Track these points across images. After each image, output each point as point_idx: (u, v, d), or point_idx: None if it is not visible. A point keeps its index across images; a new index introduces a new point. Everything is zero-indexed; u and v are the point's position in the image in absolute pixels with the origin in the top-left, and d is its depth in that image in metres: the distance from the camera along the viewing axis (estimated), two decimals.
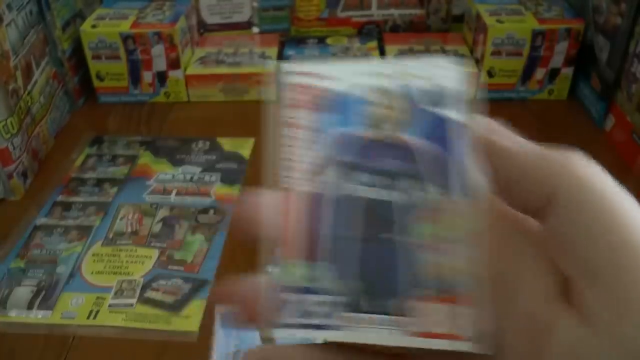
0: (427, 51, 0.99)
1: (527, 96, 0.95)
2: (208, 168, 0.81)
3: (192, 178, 0.79)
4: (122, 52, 0.92)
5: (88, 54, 0.92)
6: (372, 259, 0.20)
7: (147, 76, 0.94)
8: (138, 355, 0.57)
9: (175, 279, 0.64)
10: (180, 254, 0.67)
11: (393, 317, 0.19)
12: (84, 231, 0.70)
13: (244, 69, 0.95)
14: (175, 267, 0.66)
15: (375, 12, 1.06)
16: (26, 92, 0.79)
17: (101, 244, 0.69)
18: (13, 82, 0.76)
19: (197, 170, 0.80)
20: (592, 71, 0.90)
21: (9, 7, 0.76)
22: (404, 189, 0.20)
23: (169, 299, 0.62)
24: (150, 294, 0.63)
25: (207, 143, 0.86)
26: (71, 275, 0.65)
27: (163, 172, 0.80)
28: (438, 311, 0.19)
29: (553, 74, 0.93)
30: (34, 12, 0.84)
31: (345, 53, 0.99)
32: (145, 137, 0.88)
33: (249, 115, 0.94)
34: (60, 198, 0.76)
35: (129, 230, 0.71)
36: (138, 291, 0.63)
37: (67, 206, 0.74)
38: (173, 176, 0.79)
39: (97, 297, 0.62)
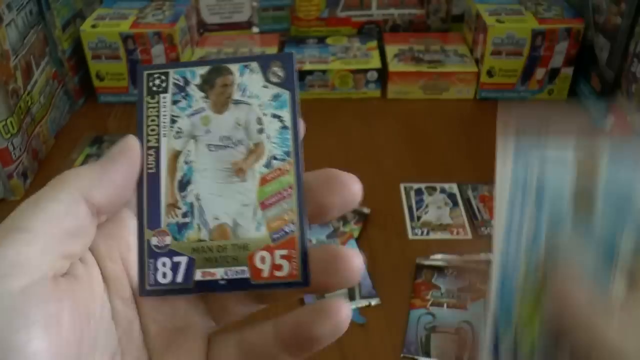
0: (427, 51, 0.99)
1: (527, 96, 0.95)
2: None
3: None
4: (122, 52, 0.92)
5: (88, 54, 0.92)
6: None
7: None
8: None
9: None
10: None
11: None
12: None
13: None
14: None
15: (375, 12, 1.06)
16: (26, 92, 0.79)
17: None
18: (13, 82, 0.76)
19: None
20: (592, 71, 0.90)
21: (9, 7, 0.76)
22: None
23: None
24: None
25: None
26: None
27: None
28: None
29: (553, 73, 0.93)
30: (34, 12, 0.84)
31: (345, 53, 0.99)
32: None
33: None
34: None
35: None
36: None
37: None
38: None
39: None
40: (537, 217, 0.21)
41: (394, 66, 0.95)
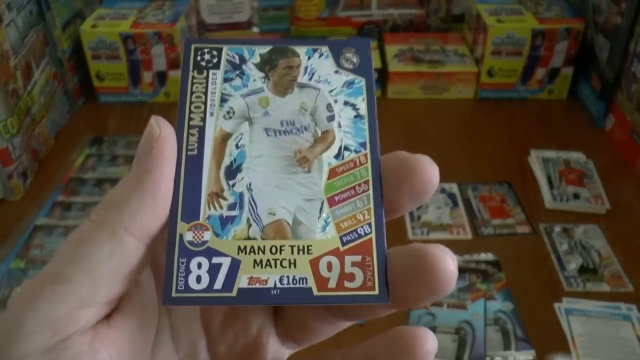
0: (427, 51, 0.99)
1: (527, 96, 0.95)
2: None
3: None
4: (122, 52, 0.92)
5: (88, 54, 0.92)
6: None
7: (147, 76, 0.94)
8: None
9: None
10: None
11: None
12: None
13: None
14: None
15: (375, 12, 1.06)
16: (26, 92, 0.79)
17: None
18: (13, 82, 0.76)
19: None
20: (592, 71, 0.90)
21: (9, 7, 0.76)
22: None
23: None
24: None
25: None
26: None
27: None
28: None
29: (553, 73, 0.93)
30: (34, 12, 0.84)
31: None
32: None
33: None
34: (60, 198, 0.76)
35: None
36: None
37: (67, 206, 0.74)
38: None
39: None
40: None
41: (394, 66, 0.95)
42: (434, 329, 0.58)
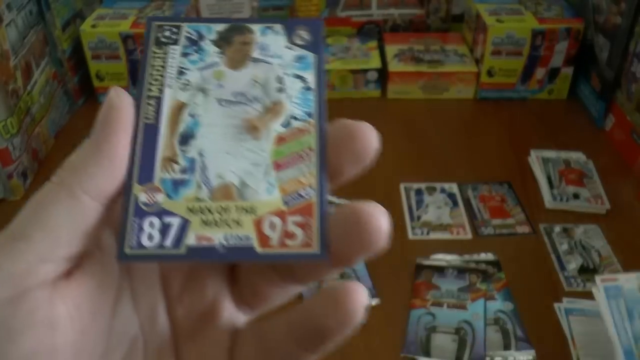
0: (427, 51, 0.99)
1: (527, 96, 0.95)
2: None
3: None
4: (122, 52, 0.92)
5: (88, 54, 0.92)
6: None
7: None
8: None
9: None
10: None
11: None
12: None
13: None
14: None
15: (375, 12, 1.06)
16: (26, 92, 0.79)
17: None
18: (13, 82, 0.76)
19: None
20: (592, 71, 0.90)
21: (8, 7, 0.76)
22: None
23: None
24: None
25: None
26: None
27: None
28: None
29: (553, 73, 0.93)
30: (34, 12, 0.84)
31: (345, 53, 0.99)
32: None
33: None
34: None
35: None
36: None
37: None
38: None
39: None
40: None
41: (394, 66, 0.95)
42: (434, 329, 0.58)
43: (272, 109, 0.22)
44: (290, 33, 0.24)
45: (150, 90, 0.23)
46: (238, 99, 0.23)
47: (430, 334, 0.58)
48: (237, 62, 0.23)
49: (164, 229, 0.20)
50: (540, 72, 0.93)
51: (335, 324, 0.20)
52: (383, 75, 0.95)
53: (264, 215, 0.21)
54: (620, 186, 0.76)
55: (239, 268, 0.23)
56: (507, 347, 0.57)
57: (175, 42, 0.24)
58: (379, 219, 0.20)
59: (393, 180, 0.77)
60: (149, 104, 0.22)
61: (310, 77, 0.23)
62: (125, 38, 0.91)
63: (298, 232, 0.20)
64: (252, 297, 0.23)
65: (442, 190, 0.76)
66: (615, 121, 0.85)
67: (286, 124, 0.22)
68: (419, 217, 0.72)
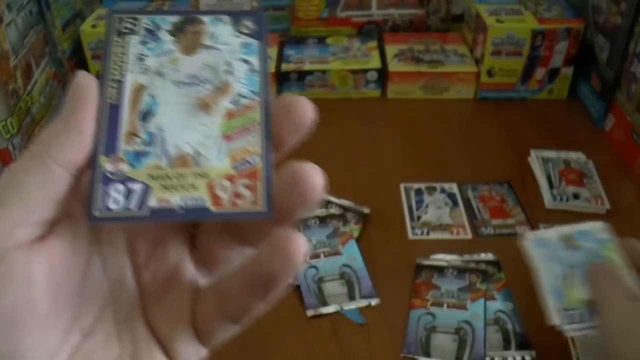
0: (427, 51, 0.99)
1: (527, 96, 0.95)
2: None
3: None
4: None
5: (88, 54, 0.92)
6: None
7: None
8: None
9: None
10: None
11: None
12: None
13: None
14: None
15: (375, 12, 1.06)
16: (26, 92, 0.79)
17: None
18: (13, 82, 0.76)
19: None
20: (592, 71, 0.90)
21: (8, 7, 0.76)
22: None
23: None
24: None
25: None
26: None
27: None
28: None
29: (553, 73, 0.93)
30: (34, 12, 0.84)
31: (345, 53, 0.99)
32: None
33: None
34: None
35: None
36: None
37: None
38: None
39: None
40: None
41: (394, 66, 0.95)
42: (434, 329, 0.58)
43: (222, 89, 0.25)
44: (236, 23, 0.26)
45: (113, 74, 0.25)
46: (192, 81, 0.25)
47: (430, 334, 0.58)
48: (190, 49, 0.26)
49: (129, 194, 0.23)
50: (540, 72, 0.93)
51: (280, 268, 0.22)
52: (383, 75, 0.95)
53: (215, 179, 0.24)
54: (620, 186, 0.76)
55: (197, 234, 0.26)
56: (507, 347, 0.57)
57: (134, 32, 0.26)
58: (314, 176, 0.22)
59: (393, 180, 0.77)
60: (112, 86, 0.25)
61: (255, 60, 0.26)
62: None
63: (246, 193, 0.23)
64: (210, 259, 0.26)
65: (442, 190, 0.76)
66: (615, 121, 0.85)
67: (235, 102, 0.25)
68: (419, 217, 0.72)
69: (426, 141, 0.87)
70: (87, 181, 0.23)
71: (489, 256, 0.66)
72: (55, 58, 0.90)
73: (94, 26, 0.91)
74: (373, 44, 1.02)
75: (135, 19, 0.26)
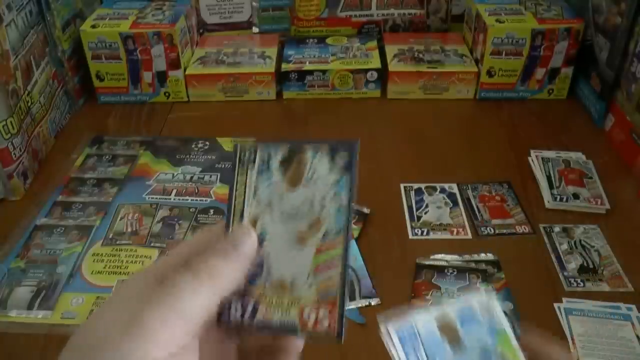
0: (427, 51, 0.99)
1: (527, 96, 0.95)
2: (208, 168, 0.81)
3: (192, 178, 0.79)
4: (122, 52, 0.92)
5: (88, 54, 0.92)
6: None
7: (147, 76, 0.94)
8: None
9: None
10: None
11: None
12: (84, 231, 0.70)
13: (244, 68, 0.95)
14: None
15: (375, 12, 1.06)
16: (26, 93, 0.79)
17: (101, 244, 0.69)
18: (13, 82, 0.76)
19: (197, 170, 0.80)
20: (592, 71, 0.90)
21: (9, 7, 0.76)
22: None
23: None
24: None
25: (207, 143, 0.86)
26: (71, 275, 0.65)
27: (163, 172, 0.80)
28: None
29: (553, 73, 0.93)
30: (34, 12, 0.84)
31: (345, 53, 0.99)
32: (145, 137, 0.88)
33: (248, 115, 0.94)
34: (60, 198, 0.76)
35: (129, 230, 0.71)
36: None
37: (67, 206, 0.74)
38: (173, 176, 0.79)
39: (97, 297, 0.62)
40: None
41: (393, 66, 0.95)
42: None
43: (315, 226, 0.30)
44: (333, 156, 0.30)
45: (236, 205, 0.31)
46: (293, 213, 0.30)
47: None
48: (295, 180, 0.30)
49: (243, 307, 0.29)
50: (540, 72, 0.93)
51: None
52: (383, 75, 0.95)
53: (305, 305, 0.29)
54: (620, 186, 0.76)
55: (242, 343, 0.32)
56: None
57: (253, 162, 0.31)
58: None
59: (393, 180, 0.77)
60: (234, 215, 0.31)
61: (344, 198, 0.30)
62: (125, 38, 0.91)
63: (325, 320, 0.29)
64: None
65: (442, 190, 0.76)
66: (615, 121, 0.85)
67: (324, 238, 0.29)
68: (419, 217, 0.72)
69: (426, 141, 0.87)
70: None
71: (489, 256, 0.66)
72: (55, 58, 0.90)
73: (94, 26, 0.91)
74: (373, 44, 1.02)
75: (254, 148, 0.31)
